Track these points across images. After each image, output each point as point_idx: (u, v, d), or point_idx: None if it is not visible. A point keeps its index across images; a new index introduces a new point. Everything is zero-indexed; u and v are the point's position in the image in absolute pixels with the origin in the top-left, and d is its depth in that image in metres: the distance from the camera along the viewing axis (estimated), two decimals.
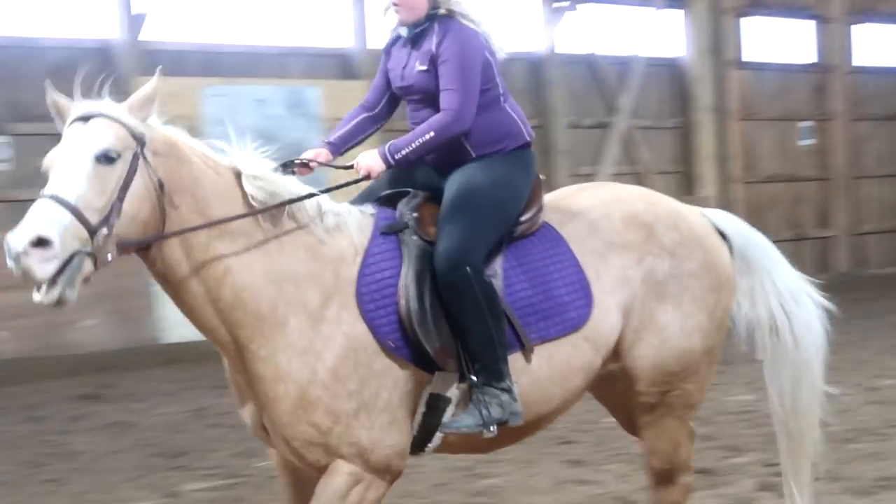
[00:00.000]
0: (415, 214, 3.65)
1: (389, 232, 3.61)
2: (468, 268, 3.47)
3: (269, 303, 3.38)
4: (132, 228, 3.23)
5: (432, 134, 3.62)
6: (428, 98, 3.75)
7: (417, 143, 3.63)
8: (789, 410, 4.14)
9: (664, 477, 4.02)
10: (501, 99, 3.83)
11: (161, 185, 3.25)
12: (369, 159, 3.66)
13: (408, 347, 3.45)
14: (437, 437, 3.57)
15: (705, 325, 3.89)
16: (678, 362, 3.85)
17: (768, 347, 4.13)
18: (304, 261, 3.47)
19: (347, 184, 3.83)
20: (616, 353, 3.83)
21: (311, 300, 3.43)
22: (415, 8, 3.71)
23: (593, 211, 3.92)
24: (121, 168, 3.19)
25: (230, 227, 3.39)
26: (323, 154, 3.84)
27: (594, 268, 3.78)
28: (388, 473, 3.48)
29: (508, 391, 3.46)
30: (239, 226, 3.40)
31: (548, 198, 3.96)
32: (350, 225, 3.59)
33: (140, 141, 3.26)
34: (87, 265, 3.08)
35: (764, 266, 4.12)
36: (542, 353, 3.65)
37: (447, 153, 3.75)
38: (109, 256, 3.17)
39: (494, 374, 3.45)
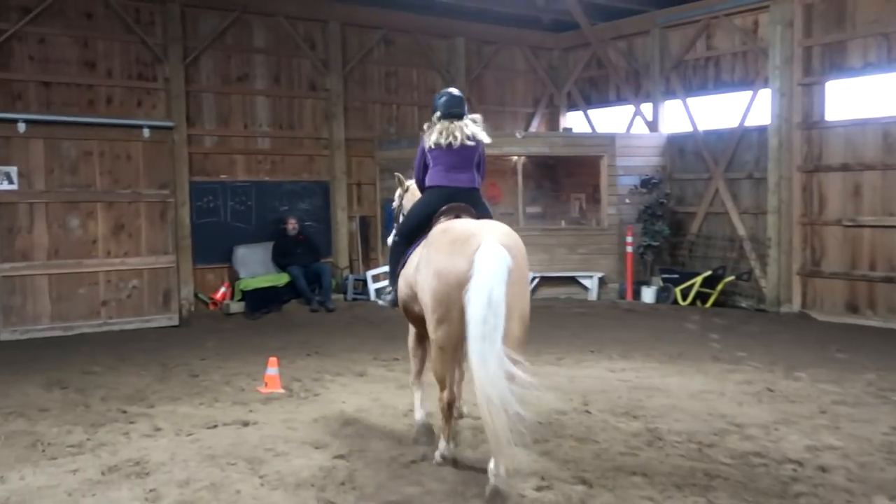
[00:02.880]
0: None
1: None
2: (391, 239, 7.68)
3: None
4: None
5: None
6: None
7: None
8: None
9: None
10: (429, 170, 7.10)
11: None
12: None
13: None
14: None
15: (432, 285, 6.17)
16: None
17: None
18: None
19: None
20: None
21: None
22: None
23: (451, 230, 6.42)
24: None
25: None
26: None
27: (418, 256, 6.72)
28: None
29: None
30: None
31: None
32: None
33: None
34: None
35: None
36: (404, 277, 7.01)
37: None
38: None
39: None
